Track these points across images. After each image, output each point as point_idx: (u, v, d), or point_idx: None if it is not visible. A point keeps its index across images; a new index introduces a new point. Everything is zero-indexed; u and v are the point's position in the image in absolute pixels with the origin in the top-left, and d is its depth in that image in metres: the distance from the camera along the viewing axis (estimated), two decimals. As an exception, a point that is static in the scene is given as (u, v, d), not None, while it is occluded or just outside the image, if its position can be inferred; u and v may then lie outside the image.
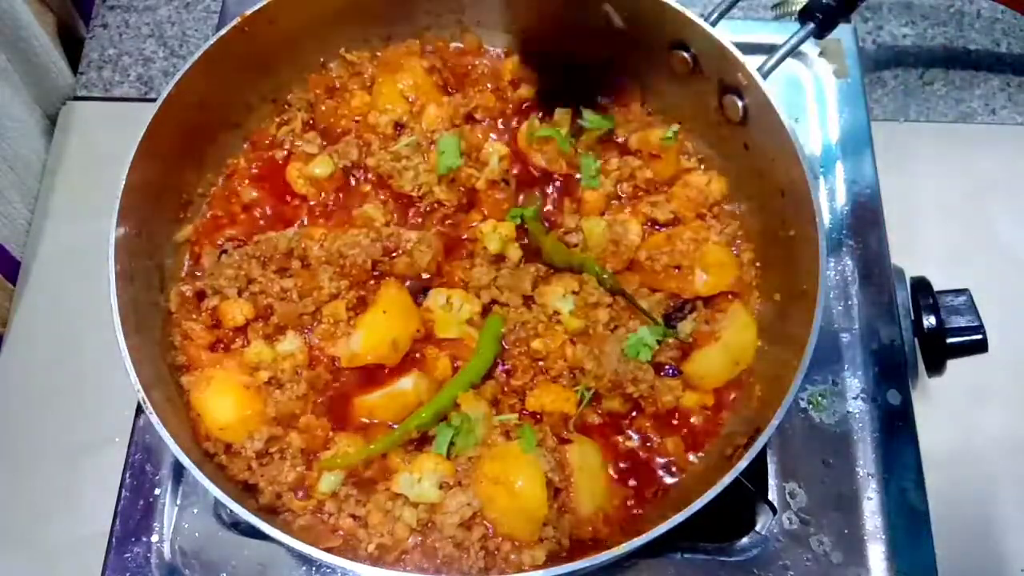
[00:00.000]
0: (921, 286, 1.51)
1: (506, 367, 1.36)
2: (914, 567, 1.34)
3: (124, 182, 1.28)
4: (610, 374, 1.29)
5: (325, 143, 1.50)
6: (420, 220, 1.47)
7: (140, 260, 1.34)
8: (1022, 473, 1.62)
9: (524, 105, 1.55)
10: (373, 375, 1.33)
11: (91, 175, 1.80)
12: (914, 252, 1.73)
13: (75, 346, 1.67)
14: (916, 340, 1.50)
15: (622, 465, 1.33)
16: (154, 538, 1.34)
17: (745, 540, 1.36)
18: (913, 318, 1.51)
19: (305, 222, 1.46)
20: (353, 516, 1.24)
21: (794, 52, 1.40)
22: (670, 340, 1.33)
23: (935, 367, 1.50)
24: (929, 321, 1.47)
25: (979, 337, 1.44)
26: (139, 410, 1.41)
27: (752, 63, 1.34)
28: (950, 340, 1.45)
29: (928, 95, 1.95)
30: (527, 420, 1.32)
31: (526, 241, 1.43)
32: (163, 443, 1.17)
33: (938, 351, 1.48)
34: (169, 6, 2.03)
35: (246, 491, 1.27)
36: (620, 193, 1.48)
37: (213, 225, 1.47)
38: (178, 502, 1.36)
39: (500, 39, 1.59)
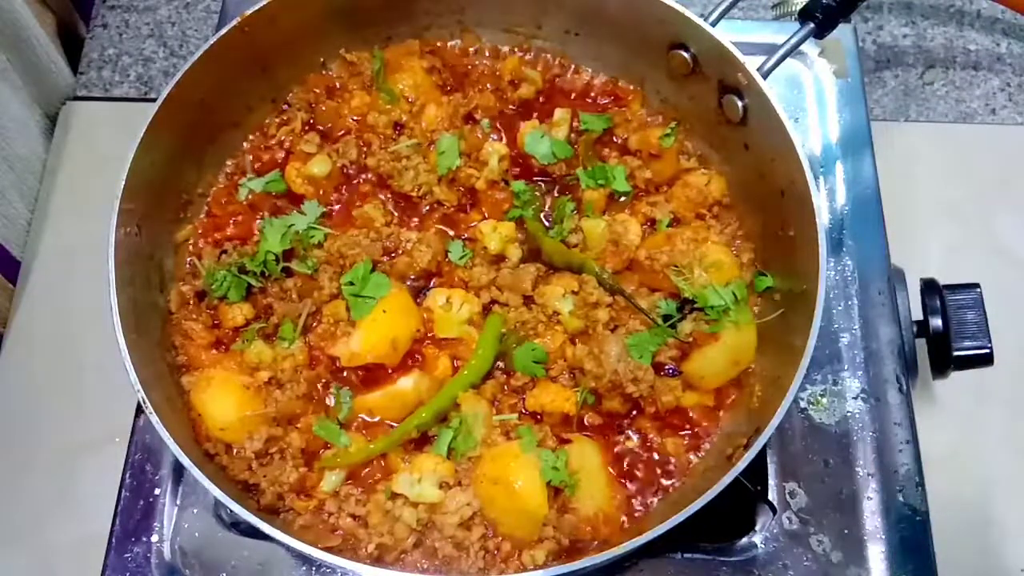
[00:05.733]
0: (929, 288, 1.51)
1: (506, 367, 1.36)
2: (914, 567, 1.34)
3: (124, 182, 1.28)
4: (610, 374, 1.29)
5: (324, 143, 1.50)
6: (420, 220, 1.47)
7: (140, 260, 1.34)
8: (1022, 474, 1.62)
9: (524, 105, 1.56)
10: (373, 375, 1.33)
11: (91, 175, 1.80)
12: (914, 252, 1.73)
13: (75, 346, 1.67)
14: (924, 341, 1.50)
15: (622, 465, 1.33)
16: (154, 538, 1.34)
17: (745, 540, 1.36)
18: (921, 319, 1.51)
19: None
20: (353, 516, 1.25)
21: (794, 52, 1.40)
22: (670, 340, 1.33)
23: (940, 371, 1.50)
24: (936, 324, 1.48)
25: (986, 351, 1.44)
26: (139, 410, 1.40)
27: (752, 63, 1.34)
28: (956, 353, 1.46)
29: (928, 95, 1.95)
30: (527, 420, 1.32)
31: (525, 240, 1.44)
32: (163, 443, 1.17)
33: (944, 359, 1.48)
34: (169, 6, 2.03)
35: (246, 491, 1.27)
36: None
37: (213, 225, 1.46)
38: (178, 502, 1.36)
39: (500, 39, 1.59)
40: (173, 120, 1.35)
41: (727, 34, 1.36)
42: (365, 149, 1.49)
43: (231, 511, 1.16)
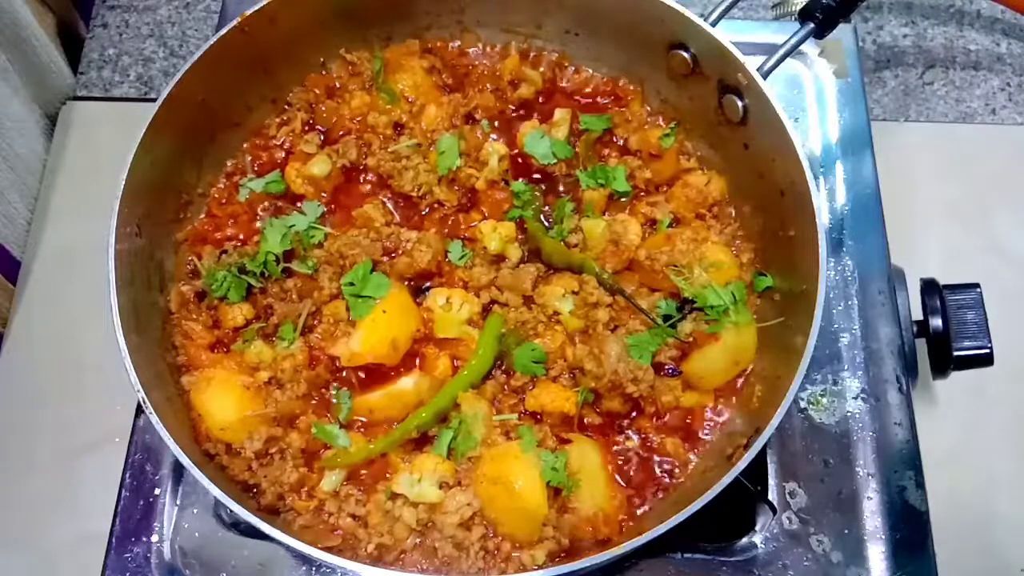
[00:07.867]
0: (929, 288, 1.51)
1: (506, 367, 1.36)
2: (914, 567, 1.34)
3: (124, 182, 1.28)
4: (610, 374, 1.29)
5: (324, 143, 1.50)
6: (420, 220, 1.47)
7: (140, 260, 1.34)
8: (1022, 473, 1.62)
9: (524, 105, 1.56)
10: (373, 375, 1.33)
11: (91, 175, 1.80)
12: (914, 252, 1.73)
13: (75, 346, 1.67)
14: (924, 341, 1.50)
15: (622, 465, 1.33)
16: (154, 538, 1.34)
17: (745, 540, 1.36)
18: (921, 319, 1.51)
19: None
20: (353, 516, 1.25)
21: (794, 52, 1.40)
22: (670, 340, 1.33)
23: (940, 371, 1.50)
24: (936, 324, 1.48)
25: (986, 351, 1.44)
26: (139, 410, 1.40)
27: (752, 63, 1.34)
28: (956, 353, 1.46)
29: (928, 95, 1.95)
30: (527, 420, 1.32)
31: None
32: (163, 443, 1.17)
33: (944, 360, 1.48)
34: (169, 6, 2.03)
35: (246, 491, 1.27)
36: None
37: (213, 225, 1.47)
38: (178, 502, 1.36)
39: (500, 39, 1.59)
40: (173, 120, 1.35)
41: (727, 34, 1.36)
42: (365, 149, 1.49)
43: (231, 511, 1.16)
